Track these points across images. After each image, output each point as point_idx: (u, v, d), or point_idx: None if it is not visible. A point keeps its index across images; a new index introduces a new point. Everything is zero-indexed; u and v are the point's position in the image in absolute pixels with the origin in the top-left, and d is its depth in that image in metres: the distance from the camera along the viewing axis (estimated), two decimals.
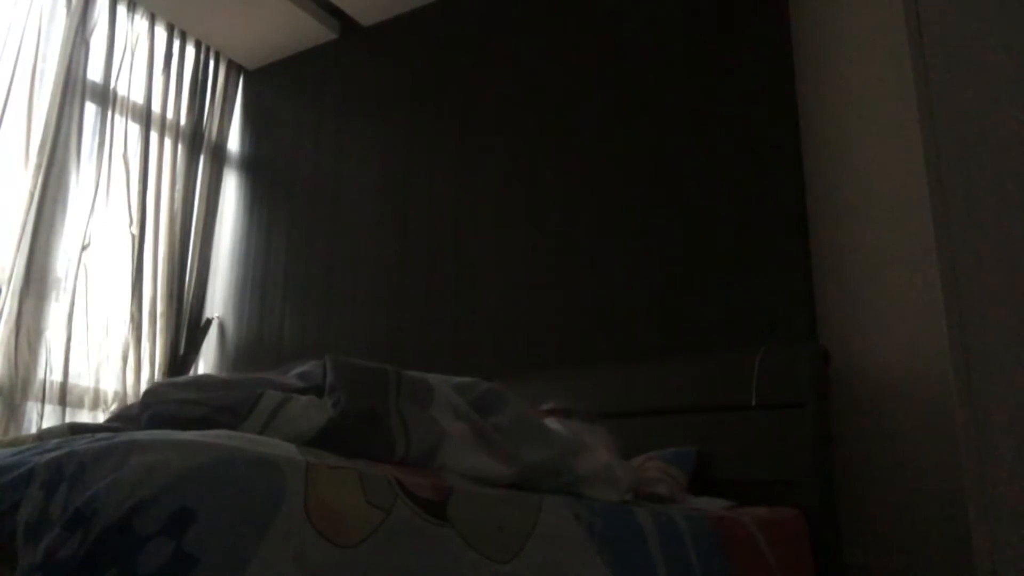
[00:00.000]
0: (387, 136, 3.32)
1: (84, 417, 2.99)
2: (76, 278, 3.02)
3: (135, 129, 3.35)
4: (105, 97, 3.23)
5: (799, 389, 1.96)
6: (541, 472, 1.04)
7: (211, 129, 3.69)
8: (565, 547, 0.93)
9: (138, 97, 3.39)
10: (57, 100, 3.00)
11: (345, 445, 0.90)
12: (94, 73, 3.20)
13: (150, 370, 3.22)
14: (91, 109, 3.18)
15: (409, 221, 3.14)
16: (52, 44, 3.06)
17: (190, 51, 3.66)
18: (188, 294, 3.44)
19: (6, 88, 2.86)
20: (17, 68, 2.91)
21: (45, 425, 2.80)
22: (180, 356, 3.34)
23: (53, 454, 0.69)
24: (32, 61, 2.97)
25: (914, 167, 2.15)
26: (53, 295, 2.93)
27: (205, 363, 3.52)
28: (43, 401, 2.82)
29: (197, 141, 3.59)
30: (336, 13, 3.56)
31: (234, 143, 3.82)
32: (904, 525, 1.98)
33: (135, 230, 3.26)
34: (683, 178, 2.53)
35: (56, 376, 2.90)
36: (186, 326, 3.39)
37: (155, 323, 3.28)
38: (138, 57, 3.42)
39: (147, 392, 1.02)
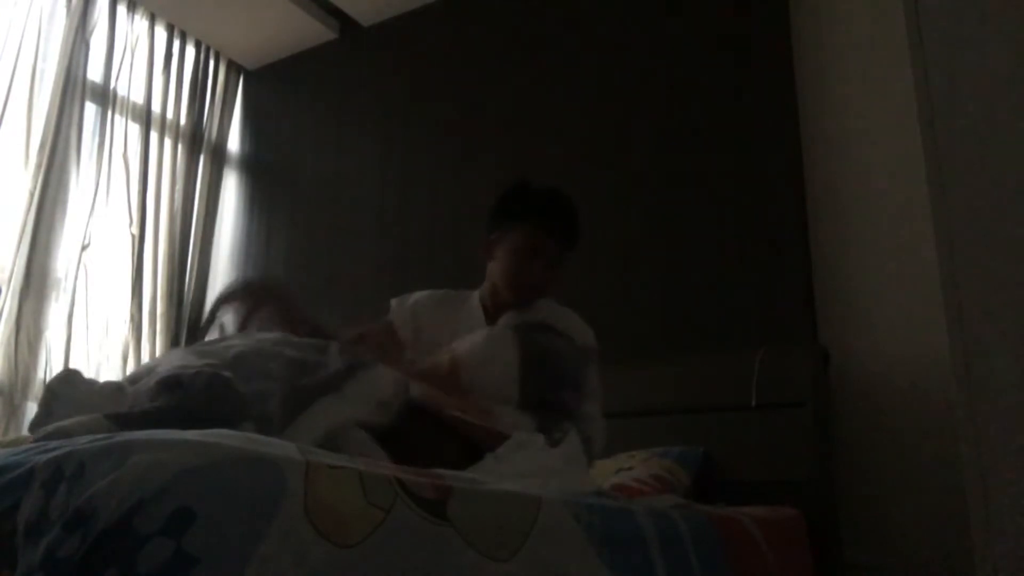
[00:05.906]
0: (387, 136, 3.32)
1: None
2: (76, 278, 3.02)
3: (135, 129, 3.36)
4: (105, 97, 3.23)
5: (799, 389, 1.96)
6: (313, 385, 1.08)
7: (211, 129, 3.69)
8: (564, 546, 0.93)
9: (138, 97, 3.39)
10: (57, 100, 3.00)
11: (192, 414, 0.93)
12: (94, 73, 3.20)
13: None
14: (91, 109, 3.18)
15: (409, 221, 3.14)
16: (52, 44, 3.06)
17: (190, 51, 3.66)
18: (188, 294, 3.44)
19: (6, 88, 2.86)
20: (17, 68, 2.91)
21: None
22: None
23: (53, 454, 0.69)
24: (32, 61, 2.97)
25: (914, 167, 2.14)
26: (53, 295, 2.93)
27: None
28: None
29: (197, 141, 3.59)
30: (336, 13, 3.56)
31: (234, 143, 3.82)
32: (904, 525, 1.98)
33: (135, 230, 3.26)
34: (683, 178, 2.53)
35: None
36: (186, 326, 3.39)
37: (155, 323, 3.27)
38: (138, 57, 3.42)
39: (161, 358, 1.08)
